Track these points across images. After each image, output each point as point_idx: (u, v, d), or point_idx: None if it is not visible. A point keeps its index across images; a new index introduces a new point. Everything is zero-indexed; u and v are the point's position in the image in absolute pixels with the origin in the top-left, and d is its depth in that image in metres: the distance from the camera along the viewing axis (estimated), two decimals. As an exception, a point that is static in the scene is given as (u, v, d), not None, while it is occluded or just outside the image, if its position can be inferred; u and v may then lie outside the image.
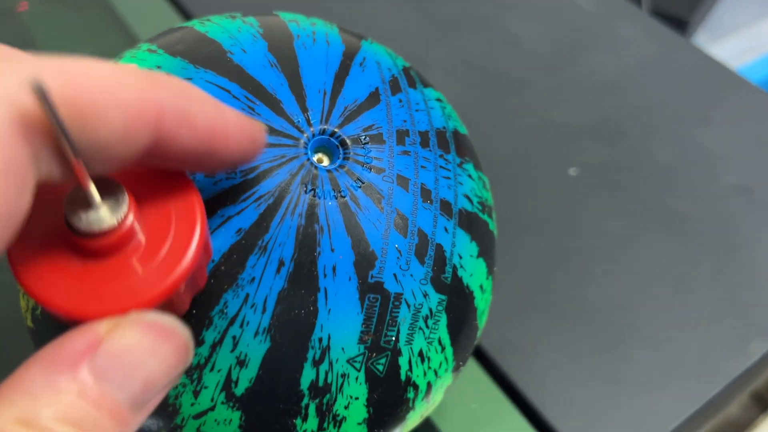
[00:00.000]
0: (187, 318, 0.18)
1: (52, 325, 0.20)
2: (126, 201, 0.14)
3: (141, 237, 0.14)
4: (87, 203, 0.14)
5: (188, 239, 0.15)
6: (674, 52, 0.50)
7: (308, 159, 0.19)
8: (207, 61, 0.21)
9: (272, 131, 0.19)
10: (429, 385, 0.21)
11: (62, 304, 0.13)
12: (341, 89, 0.21)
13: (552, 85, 0.46)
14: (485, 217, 0.23)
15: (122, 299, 0.14)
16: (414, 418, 0.22)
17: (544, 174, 0.41)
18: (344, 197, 0.19)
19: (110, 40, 0.47)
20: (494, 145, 0.42)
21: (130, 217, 0.14)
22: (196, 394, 0.18)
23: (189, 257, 0.14)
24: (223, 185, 0.18)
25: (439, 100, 0.24)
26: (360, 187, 0.20)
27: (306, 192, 0.19)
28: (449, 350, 0.22)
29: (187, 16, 0.49)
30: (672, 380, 0.33)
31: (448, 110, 0.24)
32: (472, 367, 0.33)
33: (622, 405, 0.32)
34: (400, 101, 0.22)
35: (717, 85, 0.47)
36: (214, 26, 0.23)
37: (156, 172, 0.15)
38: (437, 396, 0.23)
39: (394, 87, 0.23)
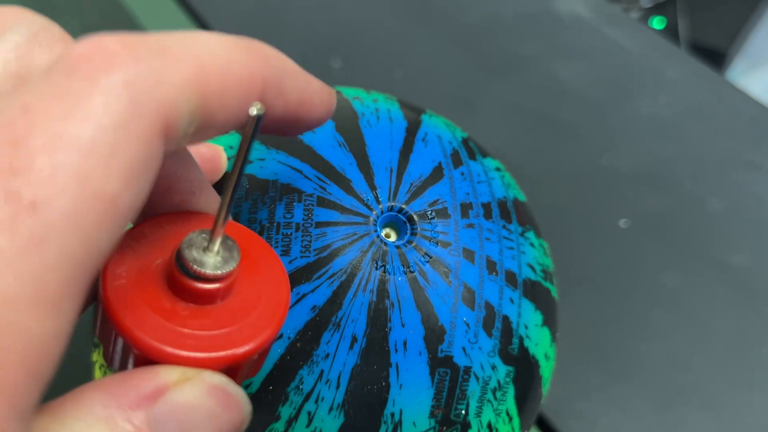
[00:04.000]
0: (263, 393, 0.18)
1: None
2: (238, 258, 0.14)
3: (235, 296, 0.15)
4: (205, 247, 0.14)
5: (275, 311, 0.15)
6: (718, 94, 0.50)
7: (378, 236, 0.20)
8: (279, 142, 0.21)
9: (343, 210, 0.20)
10: None
11: (142, 338, 0.13)
12: (407, 166, 0.22)
13: (599, 130, 0.46)
14: (548, 284, 0.23)
15: (201, 349, 0.14)
16: None
17: (594, 223, 0.41)
18: (413, 272, 0.20)
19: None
20: (542, 193, 0.42)
21: (235, 274, 0.14)
22: None
23: (273, 326, 0.15)
24: (297, 263, 0.19)
25: (498, 169, 0.25)
26: (428, 261, 0.20)
27: (377, 268, 0.19)
28: (516, 420, 0.22)
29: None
30: (735, 443, 0.32)
31: (507, 179, 0.25)
32: (532, 430, 0.33)
33: (685, 468, 0.32)
34: (462, 174, 0.23)
35: (764, 129, 0.47)
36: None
37: (254, 244, 0.16)
38: None
39: (456, 160, 0.23)
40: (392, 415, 0.19)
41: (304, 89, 0.16)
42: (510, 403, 0.21)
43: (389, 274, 0.19)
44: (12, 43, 0.14)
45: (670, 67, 0.52)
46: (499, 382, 0.20)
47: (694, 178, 0.44)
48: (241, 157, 0.13)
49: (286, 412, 0.18)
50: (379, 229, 0.20)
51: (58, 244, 0.11)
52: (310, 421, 0.18)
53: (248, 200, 0.20)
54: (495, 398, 0.20)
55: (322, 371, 0.18)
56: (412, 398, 0.19)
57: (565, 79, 0.50)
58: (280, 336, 0.18)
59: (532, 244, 0.23)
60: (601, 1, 0.58)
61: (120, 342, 0.14)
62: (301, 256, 0.19)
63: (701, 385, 0.34)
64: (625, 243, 0.40)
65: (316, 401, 0.18)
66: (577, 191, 0.43)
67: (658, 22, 0.75)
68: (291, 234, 0.19)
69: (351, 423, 0.18)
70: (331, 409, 0.18)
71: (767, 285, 0.38)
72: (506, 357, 0.21)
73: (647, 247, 0.40)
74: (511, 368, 0.21)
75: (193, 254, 0.14)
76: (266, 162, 0.21)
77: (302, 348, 0.18)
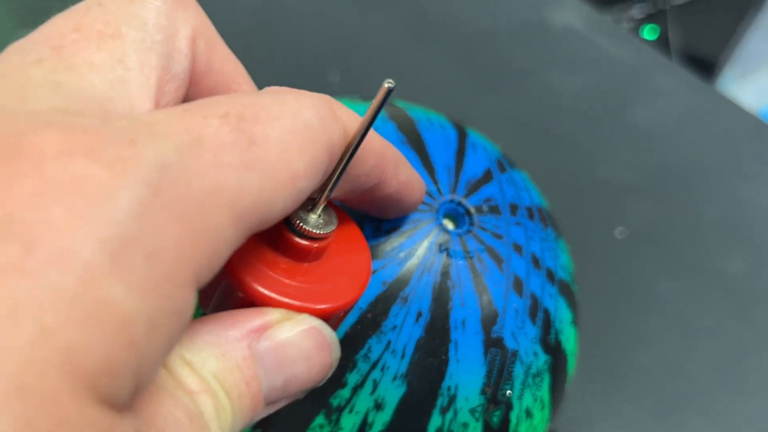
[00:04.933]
0: None
1: None
2: (336, 224, 0.16)
3: (326, 259, 0.17)
4: (310, 209, 0.16)
5: (360, 278, 0.17)
6: (709, 104, 0.51)
7: (440, 223, 0.21)
8: None
9: (406, 233, 0.22)
10: (543, 423, 0.23)
11: (249, 282, 0.15)
12: (462, 166, 0.24)
13: (593, 140, 0.47)
14: (575, 288, 0.25)
15: (299, 298, 0.15)
16: None
17: (590, 233, 0.42)
18: (472, 258, 0.21)
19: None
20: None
21: (331, 237, 0.16)
22: None
23: (358, 289, 0.16)
24: (370, 242, 0.20)
25: (528, 180, 0.27)
26: (484, 250, 0.21)
27: (440, 251, 0.21)
28: (547, 410, 0.23)
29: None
30: (732, 448, 0.33)
31: (536, 189, 0.27)
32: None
33: (683, 474, 0.32)
34: (507, 179, 0.25)
35: (755, 139, 0.48)
36: (357, 104, 0.25)
37: (344, 219, 0.18)
38: None
39: (501, 167, 0.25)
40: (449, 388, 0.20)
41: (411, 174, 0.18)
42: (545, 391, 0.23)
43: (451, 258, 0.21)
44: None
45: (662, 77, 0.53)
46: (538, 368, 0.22)
47: (687, 186, 0.45)
48: (364, 127, 0.15)
49: (352, 378, 0.19)
50: (440, 217, 0.22)
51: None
52: (374, 388, 0.19)
53: None
54: (534, 383, 0.22)
55: (389, 341, 0.19)
56: (467, 374, 0.20)
57: (559, 91, 0.51)
58: (361, 308, 0.20)
59: (562, 250, 0.25)
60: (594, 14, 0.59)
61: (223, 284, 0.15)
62: (373, 236, 0.21)
63: (697, 392, 0.35)
64: (621, 252, 0.41)
65: (382, 369, 0.19)
66: (572, 201, 0.43)
67: (649, 32, 0.76)
68: (363, 217, 0.21)
69: (411, 393, 0.19)
70: (394, 378, 0.19)
71: (761, 292, 0.39)
72: (546, 346, 0.22)
73: (643, 256, 0.41)
74: (549, 357, 0.22)
75: (299, 213, 0.16)
76: None
77: (372, 319, 0.20)
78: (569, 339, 0.24)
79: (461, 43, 0.54)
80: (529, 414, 0.22)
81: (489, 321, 0.21)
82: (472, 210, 0.22)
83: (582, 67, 0.53)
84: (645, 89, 0.52)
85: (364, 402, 0.19)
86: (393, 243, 0.21)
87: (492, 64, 0.52)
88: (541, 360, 0.22)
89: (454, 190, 0.23)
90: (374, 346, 0.19)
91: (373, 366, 0.19)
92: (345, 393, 0.19)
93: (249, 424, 0.15)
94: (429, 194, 0.22)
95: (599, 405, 0.34)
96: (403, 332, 0.20)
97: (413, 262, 0.20)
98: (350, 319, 0.20)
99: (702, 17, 0.78)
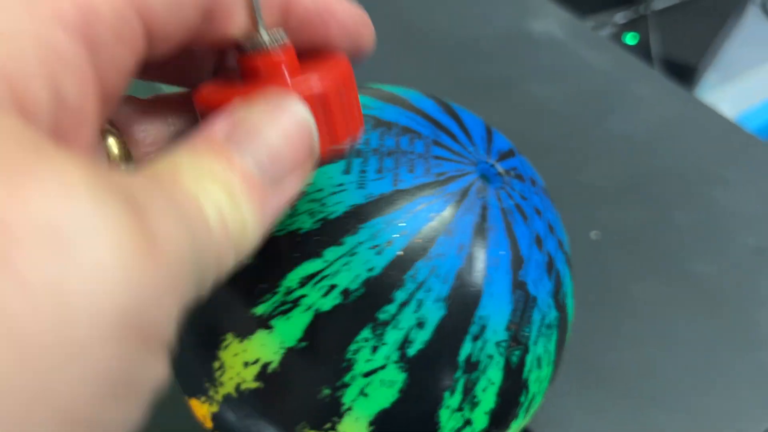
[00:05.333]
0: (384, 277, 0.21)
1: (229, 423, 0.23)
2: (284, 36, 0.17)
3: (296, 66, 0.18)
4: (256, 32, 0.17)
5: (336, 68, 0.18)
6: (688, 111, 0.52)
7: (480, 176, 0.24)
8: (391, 99, 0.26)
9: (453, 152, 0.24)
10: (533, 397, 0.25)
11: (213, 97, 0.17)
12: (492, 139, 0.27)
13: (573, 147, 0.49)
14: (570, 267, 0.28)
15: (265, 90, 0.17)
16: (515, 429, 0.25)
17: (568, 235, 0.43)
18: (504, 209, 0.24)
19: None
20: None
21: (286, 44, 0.17)
22: (374, 349, 0.21)
23: (338, 70, 0.18)
24: (421, 180, 0.23)
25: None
26: (514, 205, 0.24)
27: (479, 197, 0.23)
28: (551, 368, 0.25)
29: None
30: (700, 444, 0.34)
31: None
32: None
33: (653, 469, 0.34)
34: (523, 160, 0.28)
35: (731, 145, 0.50)
36: (385, 85, 0.28)
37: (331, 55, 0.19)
38: (526, 417, 0.26)
39: (515, 151, 0.28)
40: (481, 317, 0.22)
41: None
42: (553, 345, 0.25)
43: (489, 205, 0.23)
44: None
45: (641, 85, 0.54)
46: (550, 321, 0.24)
47: (664, 191, 0.46)
48: None
49: (400, 296, 0.21)
50: (480, 171, 0.24)
51: None
52: (418, 307, 0.21)
53: (376, 131, 0.23)
54: (546, 334, 0.24)
55: (434, 266, 0.21)
56: (496, 308, 0.22)
57: (539, 99, 0.52)
58: (404, 232, 0.21)
59: (564, 230, 0.28)
60: (575, 22, 0.60)
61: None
62: (424, 176, 0.23)
63: (669, 390, 0.36)
64: (596, 254, 0.42)
65: (427, 291, 0.21)
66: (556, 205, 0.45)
67: (630, 38, 0.77)
68: (414, 159, 0.23)
69: (450, 316, 0.21)
70: (436, 300, 0.21)
71: (731, 293, 0.41)
72: (557, 303, 0.25)
73: (617, 258, 0.42)
74: (558, 314, 0.25)
75: (248, 38, 0.17)
76: (384, 111, 0.25)
77: (421, 245, 0.21)
78: (571, 307, 0.26)
79: (443, 51, 0.55)
80: (539, 363, 0.24)
81: (516, 265, 0.23)
82: (503, 172, 0.25)
83: (562, 75, 0.55)
84: (624, 96, 0.53)
85: (407, 319, 0.21)
86: (441, 184, 0.23)
87: (475, 74, 0.54)
88: (553, 314, 0.24)
89: (488, 154, 0.25)
90: (421, 268, 0.21)
91: (419, 286, 0.21)
92: (391, 309, 0.21)
93: (270, 216, 0.15)
94: (471, 152, 0.24)
95: (574, 404, 0.36)
96: (447, 260, 0.21)
97: (458, 201, 0.23)
98: (401, 243, 0.21)
99: (682, 23, 0.80)
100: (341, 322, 0.21)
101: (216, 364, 0.22)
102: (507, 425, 0.24)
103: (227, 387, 0.22)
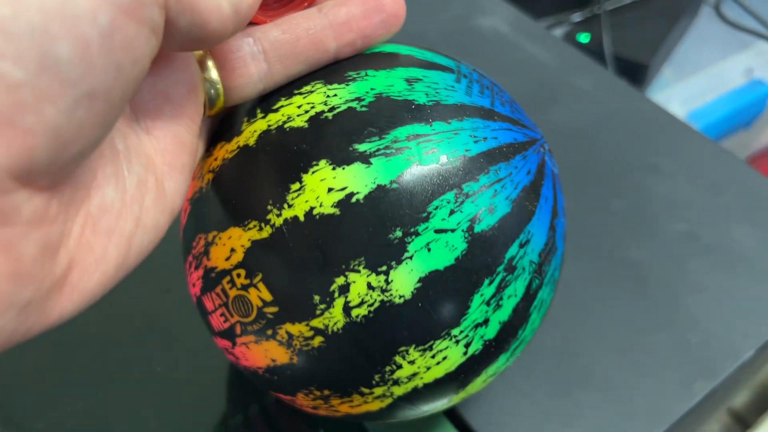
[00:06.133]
0: (474, 158, 0.24)
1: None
2: None
3: None
4: None
5: None
6: (629, 104, 0.53)
7: (541, 144, 0.27)
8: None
9: (527, 128, 0.27)
10: (523, 340, 0.27)
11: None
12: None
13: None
14: None
15: None
16: (497, 366, 0.27)
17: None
18: (552, 168, 0.27)
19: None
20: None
21: None
22: (451, 212, 0.23)
23: None
24: (508, 114, 0.27)
25: None
26: (556, 172, 0.28)
27: (543, 149, 0.27)
28: (537, 323, 0.28)
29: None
30: (622, 422, 0.35)
31: None
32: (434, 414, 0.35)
33: (577, 445, 0.34)
34: None
35: (668, 136, 0.51)
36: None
37: None
38: (510, 359, 0.28)
39: None
40: (529, 231, 0.25)
41: None
42: (548, 302, 0.28)
43: (547, 158, 0.27)
44: None
45: (586, 79, 0.55)
46: (555, 279, 0.28)
47: (600, 180, 0.47)
48: None
49: (483, 179, 0.24)
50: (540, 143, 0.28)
51: None
52: (493, 194, 0.24)
53: (476, 77, 0.27)
54: (550, 286, 0.27)
55: (511, 172, 0.25)
56: (539, 233, 0.25)
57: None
58: (496, 138, 0.25)
59: None
60: (523, 19, 0.62)
61: None
62: (510, 113, 0.27)
63: (595, 371, 0.37)
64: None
65: (502, 186, 0.24)
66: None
67: (583, 37, 0.78)
68: (505, 100, 0.27)
69: (511, 215, 0.24)
70: (507, 197, 0.24)
71: (660, 277, 0.42)
72: (561, 266, 0.28)
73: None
74: (558, 277, 0.28)
75: None
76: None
77: (504, 153, 0.25)
78: (557, 281, 0.29)
79: (392, 45, 0.56)
80: (539, 308, 0.27)
81: (553, 214, 0.26)
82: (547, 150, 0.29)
83: (506, 69, 0.56)
84: (568, 89, 0.54)
85: (483, 201, 0.24)
86: (522, 126, 0.27)
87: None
88: (557, 275, 0.28)
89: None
90: (503, 168, 0.24)
91: (498, 181, 0.24)
92: (474, 186, 0.24)
93: None
94: (533, 130, 0.28)
95: (499, 385, 0.36)
96: (519, 174, 0.25)
97: (531, 142, 0.26)
98: (492, 144, 0.25)
99: (635, 23, 0.82)
100: (432, 179, 0.23)
101: (295, 186, 0.23)
102: (501, 351, 0.26)
103: (296, 209, 0.23)
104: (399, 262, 0.23)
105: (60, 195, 0.16)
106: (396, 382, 0.25)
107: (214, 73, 0.22)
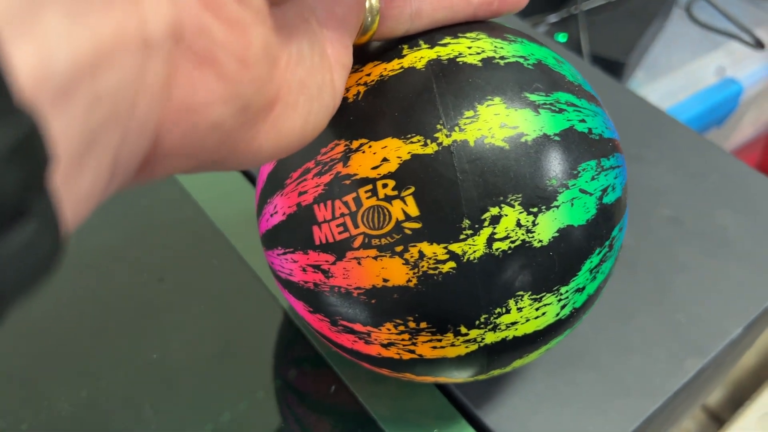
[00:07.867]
0: (608, 140, 0.27)
1: None
2: None
3: None
4: None
5: None
6: (611, 95, 0.54)
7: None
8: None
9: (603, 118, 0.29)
10: (575, 325, 0.28)
11: None
12: None
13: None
14: None
15: None
16: (554, 343, 0.28)
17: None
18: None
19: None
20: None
21: None
22: (592, 178, 0.25)
23: None
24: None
25: None
26: None
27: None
28: (587, 311, 0.29)
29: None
30: (615, 399, 0.36)
31: None
32: (429, 388, 0.36)
33: (570, 425, 0.35)
34: None
35: (650, 125, 0.52)
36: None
37: None
38: (556, 340, 0.28)
39: None
40: (623, 221, 0.28)
41: None
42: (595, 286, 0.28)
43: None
44: None
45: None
46: (606, 271, 0.28)
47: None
48: None
49: (612, 160, 0.27)
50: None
51: None
52: (616, 176, 0.27)
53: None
54: (609, 272, 0.28)
55: (621, 164, 0.28)
56: (626, 225, 0.29)
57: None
58: (609, 128, 0.28)
59: None
60: (509, 16, 0.62)
61: None
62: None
63: (588, 351, 0.38)
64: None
65: (620, 172, 0.28)
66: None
67: (561, 37, 0.80)
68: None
69: (621, 200, 0.27)
70: (621, 184, 0.28)
71: (646, 261, 0.42)
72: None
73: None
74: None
75: None
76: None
77: (617, 145, 0.28)
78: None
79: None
80: (598, 296, 0.29)
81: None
82: None
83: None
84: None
85: (610, 178, 0.26)
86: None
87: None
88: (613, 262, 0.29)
89: None
90: (619, 157, 0.28)
91: (618, 166, 0.27)
92: (608, 163, 0.26)
93: None
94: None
95: (498, 364, 0.37)
96: (624, 168, 0.28)
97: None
98: (617, 135, 0.28)
99: (611, 23, 0.83)
100: (584, 146, 0.25)
101: (468, 113, 0.24)
102: (570, 325, 0.28)
103: (467, 134, 0.23)
104: (548, 208, 0.24)
105: (273, 12, 0.17)
106: (495, 328, 0.25)
107: (375, 0, 0.23)
